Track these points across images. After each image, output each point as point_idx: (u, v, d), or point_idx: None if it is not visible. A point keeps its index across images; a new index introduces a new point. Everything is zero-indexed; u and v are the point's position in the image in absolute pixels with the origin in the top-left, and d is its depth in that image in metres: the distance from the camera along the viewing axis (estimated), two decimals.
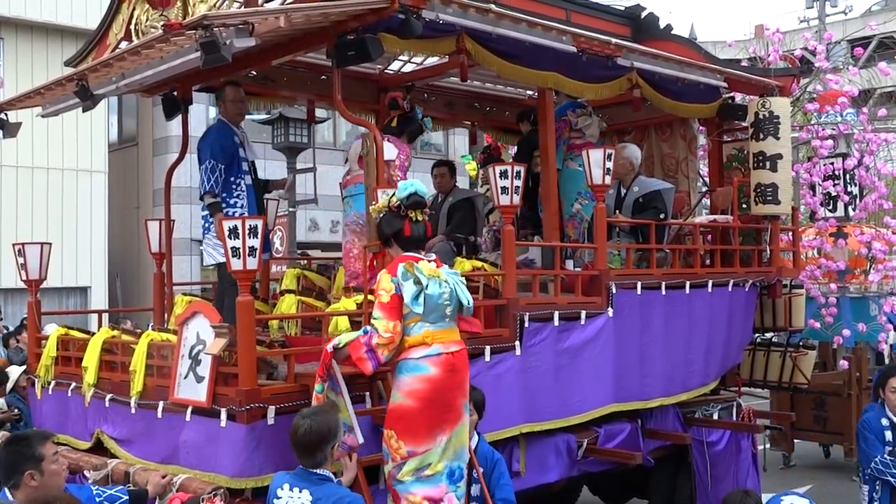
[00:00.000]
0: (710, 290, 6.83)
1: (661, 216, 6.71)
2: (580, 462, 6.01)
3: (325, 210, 17.12)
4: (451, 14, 5.03)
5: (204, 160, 5.57)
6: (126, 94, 6.20)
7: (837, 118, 9.99)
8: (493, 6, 5.26)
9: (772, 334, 8.55)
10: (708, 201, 8.23)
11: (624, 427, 6.29)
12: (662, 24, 7.09)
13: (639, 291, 6.21)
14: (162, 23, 4.86)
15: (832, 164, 9.98)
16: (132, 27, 5.53)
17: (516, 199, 5.20)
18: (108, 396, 5.10)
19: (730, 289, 7.05)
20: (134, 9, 5.54)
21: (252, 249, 4.13)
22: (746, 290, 7.29)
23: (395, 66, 7.37)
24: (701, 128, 8.21)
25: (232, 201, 5.64)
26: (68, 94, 5.47)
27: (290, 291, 6.29)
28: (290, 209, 12.18)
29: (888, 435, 5.65)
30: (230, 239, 4.12)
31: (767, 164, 7.24)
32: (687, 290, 6.64)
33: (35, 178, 16.11)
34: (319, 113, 8.52)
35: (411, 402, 4.16)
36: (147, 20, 5.40)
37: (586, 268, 6.31)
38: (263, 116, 11.37)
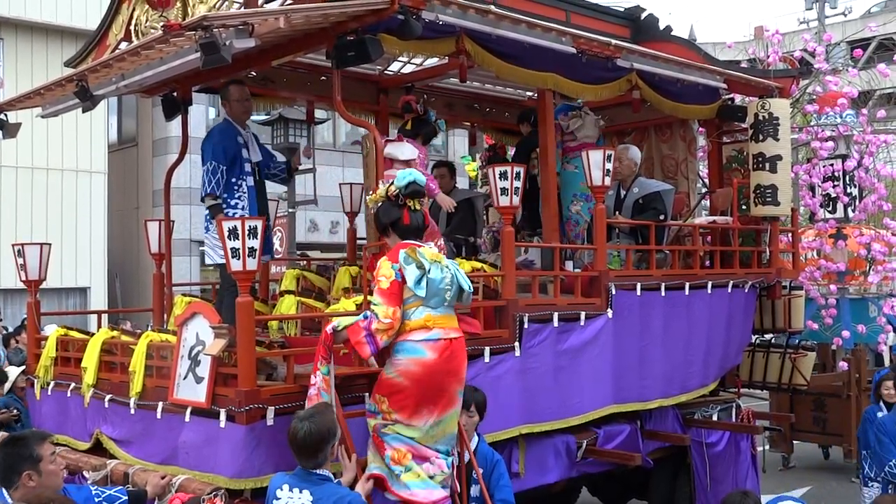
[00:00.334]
0: (709, 291, 6.83)
1: (661, 217, 6.71)
2: (579, 463, 6.00)
3: (324, 211, 17.12)
4: (450, 15, 5.03)
5: (206, 161, 5.58)
6: (126, 94, 6.20)
7: (837, 120, 10.00)
8: (492, 7, 5.27)
9: (771, 335, 8.55)
10: (707, 202, 8.23)
11: (623, 428, 6.29)
12: (662, 26, 7.09)
13: (638, 293, 6.21)
14: (162, 23, 4.86)
15: (832, 165, 9.99)
16: (132, 28, 5.53)
17: (516, 200, 5.21)
18: (108, 397, 5.11)
19: (729, 290, 7.06)
20: (134, 9, 5.53)
21: (252, 250, 4.13)
22: (746, 291, 7.28)
23: (394, 67, 7.37)
24: (700, 129, 8.21)
25: (233, 202, 5.64)
26: (68, 95, 5.47)
27: (289, 292, 6.30)
28: (290, 210, 12.18)
29: None
30: (230, 240, 4.12)
31: (767, 165, 7.24)
32: (686, 292, 6.64)
33: (35, 179, 16.11)
34: (319, 114, 8.53)
35: (403, 381, 4.18)
36: (147, 21, 5.40)
37: (586, 269, 6.31)
38: (263, 117, 11.37)
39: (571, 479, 6.20)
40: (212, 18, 4.06)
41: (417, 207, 4.39)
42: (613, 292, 6.02)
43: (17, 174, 16.02)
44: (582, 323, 5.83)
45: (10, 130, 6.10)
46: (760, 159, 7.26)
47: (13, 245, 5.96)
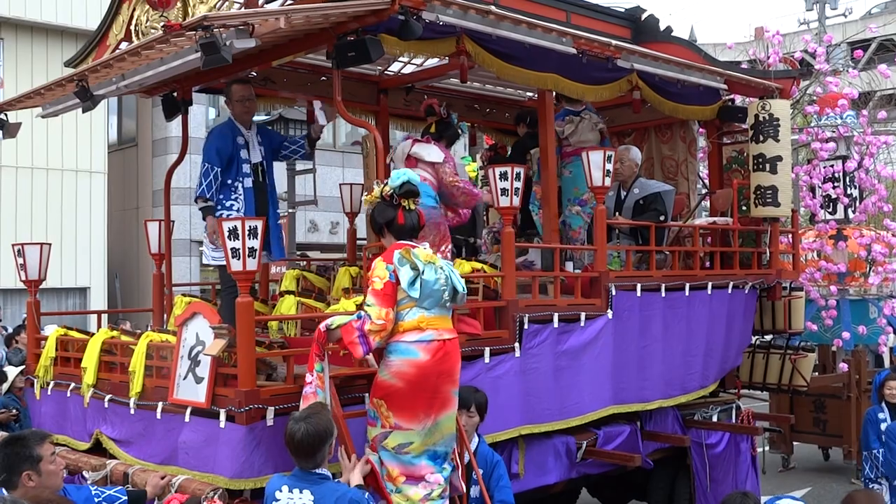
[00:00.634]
0: (709, 292, 6.83)
1: (662, 218, 6.71)
2: (579, 464, 6.00)
3: (324, 211, 17.14)
4: (451, 15, 5.03)
5: (202, 163, 5.58)
6: (126, 94, 6.20)
7: (837, 120, 9.99)
8: (493, 8, 5.27)
9: (771, 336, 8.55)
10: (708, 203, 8.23)
11: (623, 429, 6.29)
12: (662, 26, 7.09)
13: (638, 293, 6.21)
14: (162, 24, 4.86)
15: (832, 166, 9.98)
16: (132, 28, 5.53)
17: (516, 200, 5.20)
18: (108, 397, 5.10)
19: (729, 291, 7.05)
20: (134, 10, 5.53)
21: (252, 250, 4.13)
22: (746, 292, 7.28)
23: (394, 67, 7.37)
24: (701, 130, 8.22)
25: (229, 203, 5.62)
26: (68, 95, 5.47)
27: (289, 292, 6.29)
28: (290, 210, 12.19)
29: None
30: (230, 240, 4.12)
31: (767, 166, 7.23)
32: (686, 293, 6.63)
33: (35, 179, 16.12)
34: (319, 114, 8.50)
35: (397, 383, 4.18)
36: (147, 21, 5.40)
37: (586, 270, 6.31)
38: (263, 117, 11.38)
39: (571, 479, 6.19)
40: (212, 18, 4.06)
41: (412, 207, 4.39)
42: (613, 293, 6.02)
43: (17, 174, 16.04)
44: (582, 324, 5.83)
45: (10, 130, 6.10)
46: (761, 160, 7.26)
47: (13, 245, 5.96)
